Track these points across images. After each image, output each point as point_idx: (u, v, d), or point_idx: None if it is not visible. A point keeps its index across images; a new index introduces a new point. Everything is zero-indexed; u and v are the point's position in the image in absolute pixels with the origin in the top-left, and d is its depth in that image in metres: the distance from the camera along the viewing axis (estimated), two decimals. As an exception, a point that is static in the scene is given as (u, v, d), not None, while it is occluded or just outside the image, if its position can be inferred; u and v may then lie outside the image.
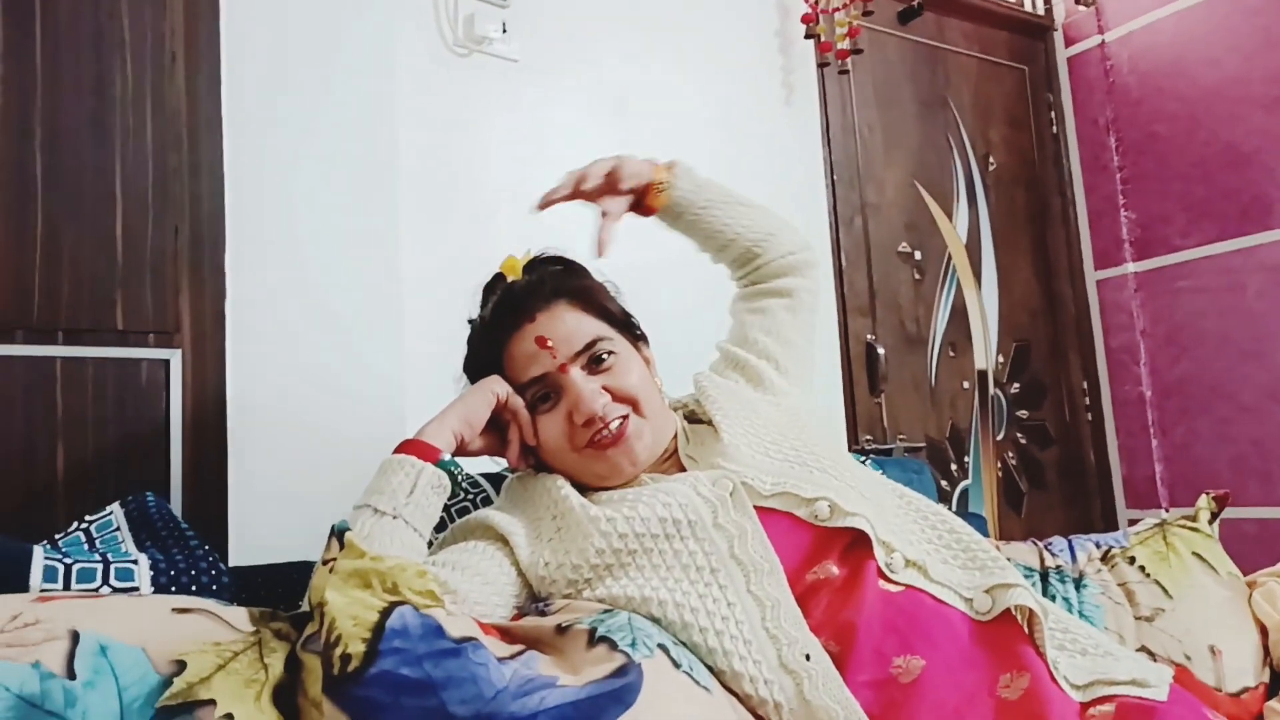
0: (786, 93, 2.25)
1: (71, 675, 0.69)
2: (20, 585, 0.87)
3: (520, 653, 0.80)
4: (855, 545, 0.93)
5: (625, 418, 1.03)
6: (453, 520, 1.13)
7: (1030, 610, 0.89)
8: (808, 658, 0.86)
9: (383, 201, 1.54)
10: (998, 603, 0.89)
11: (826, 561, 0.92)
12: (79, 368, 1.27)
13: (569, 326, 1.04)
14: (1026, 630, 0.89)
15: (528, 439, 1.05)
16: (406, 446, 0.97)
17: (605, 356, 1.04)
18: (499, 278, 1.11)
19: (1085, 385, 2.82)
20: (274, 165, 1.45)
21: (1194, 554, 1.26)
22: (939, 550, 0.97)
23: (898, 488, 1.07)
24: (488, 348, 1.08)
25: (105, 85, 1.33)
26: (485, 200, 1.70)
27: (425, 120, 1.66)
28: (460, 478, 1.24)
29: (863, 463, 1.46)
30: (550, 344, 1.02)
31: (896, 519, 0.99)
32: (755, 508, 0.95)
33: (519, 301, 1.06)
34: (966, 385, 2.59)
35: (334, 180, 1.50)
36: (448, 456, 1.00)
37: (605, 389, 1.03)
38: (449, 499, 1.19)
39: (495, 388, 1.04)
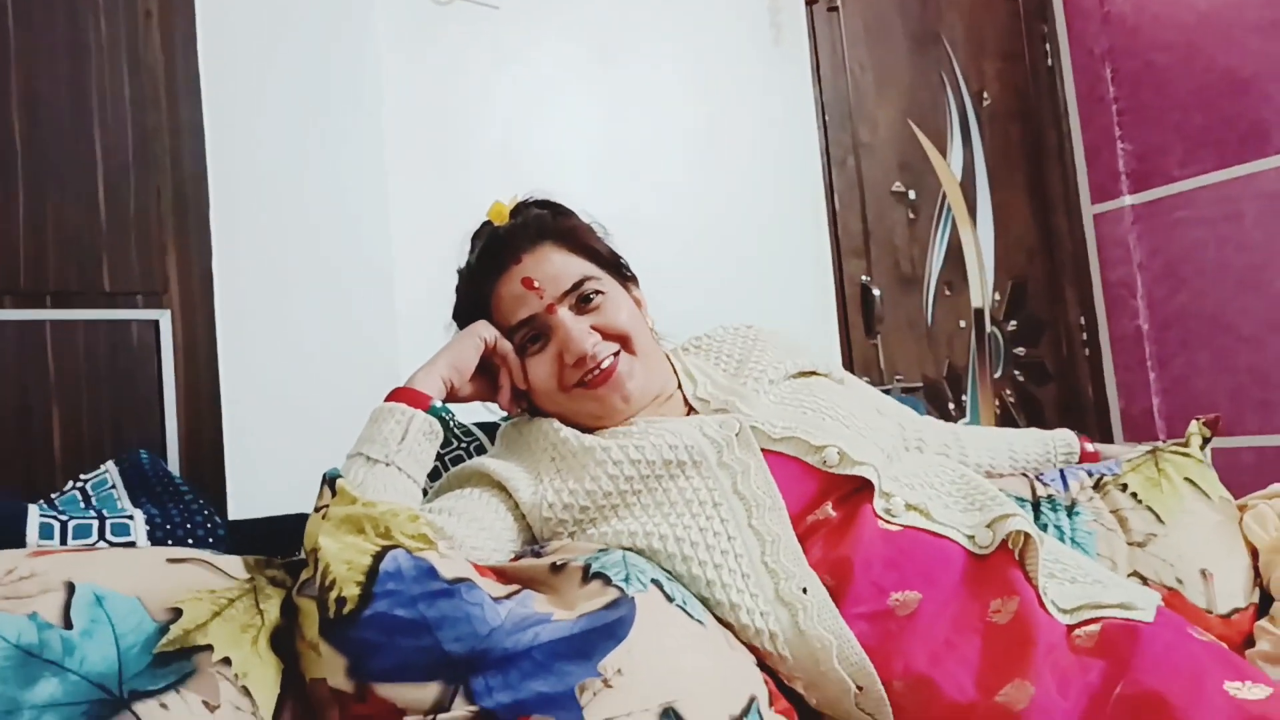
0: (775, 32, 2.21)
1: (68, 625, 0.70)
2: (17, 543, 0.88)
3: (515, 592, 0.81)
4: (857, 492, 0.95)
5: (615, 355, 1.03)
6: (447, 470, 1.14)
7: (1025, 539, 0.90)
8: (805, 591, 0.87)
9: (368, 154, 1.53)
10: (997, 534, 0.90)
11: (825, 504, 0.94)
12: (69, 331, 1.27)
13: (555, 267, 1.04)
14: (1018, 559, 0.90)
15: (518, 382, 1.05)
16: (396, 394, 0.98)
17: (593, 296, 1.04)
18: (486, 224, 1.11)
19: (1083, 320, 2.81)
20: (255, 121, 1.43)
21: (1186, 479, 1.26)
22: (941, 495, 0.98)
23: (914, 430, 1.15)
24: (475, 293, 1.07)
25: (80, 46, 1.31)
26: (471, 150, 1.69)
27: (408, 70, 1.63)
28: (453, 424, 1.25)
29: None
30: (537, 285, 1.02)
31: (906, 467, 1.01)
32: (764, 450, 0.97)
33: (504, 244, 1.06)
34: (963, 324, 2.59)
35: (317, 134, 1.48)
36: (439, 403, 1.00)
37: (594, 328, 1.03)
38: (443, 448, 1.20)
39: (482, 333, 1.03)
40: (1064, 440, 1.36)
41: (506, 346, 1.04)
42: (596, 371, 1.02)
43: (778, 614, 0.87)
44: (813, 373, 1.13)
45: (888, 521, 0.92)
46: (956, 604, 0.87)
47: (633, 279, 1.14)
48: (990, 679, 0.81)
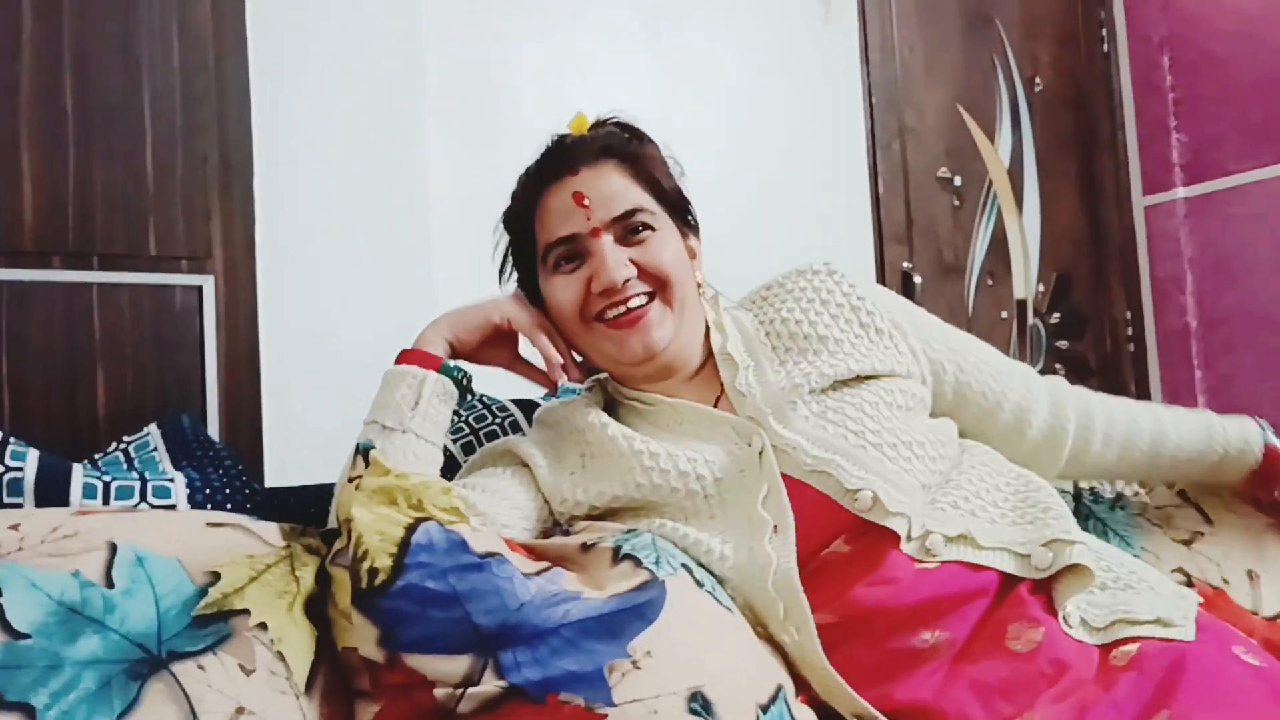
0: (824, 10, 2.18)
1: (110, 584, 0.72)
2: (61, 501, 0.90)
3: (546, 569, 0.81)
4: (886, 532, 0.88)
5: (649, 299, 0.97)
6: (481, 444, 1.15)
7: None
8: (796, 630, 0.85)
9: (409, 127, 1.53)
10: (1057, 560, 0.85)
11: (839, 539, 0.89)
12: (114, 294, 1.29)
13: (612, 188, 0.98)
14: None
15: (589, 354, 1.00)
16: (406, 356, 0.96)
17: (642, 229, 0.98)
18: (561, 136, 1.04)
19: (1129, 315, 2.76)
20: (300, 90, 1.44)
21: (1238, 480, 1.23)
22: (990, 510, 0.92)
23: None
24: (524, 197, 1.02)
25: (130, 8, 1.32)
26: (513, 125, 1.68)
27: (453, 44, 1.63)
28: (464, 380, 1.23)
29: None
30: (587, 203, 0.96)
31: (957, 484, 0.94)
32: (790, 477, 0.91)
33: (566, 152, 1.00)
34: (1005, 315, 2.55)
35: (360, 105, 1.49)
36: (450, 362, 0.97)
37: (634, 262, 0.96)
38: (478, 422, 1.21)
39: (494, 316, 0.99)
40: (1239, 435, 1.13)
41: (526, 323, 0.99)
42: (623, 310, 0.96)
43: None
44: (871, 376, 0.98)
45: (922, 561, 0.87)
46: (977, 630, 0.84)
47: (694, 227, 1.07)
48: (1001, 710, 0.78)
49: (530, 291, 1.05)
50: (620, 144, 1.01)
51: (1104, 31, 2.77)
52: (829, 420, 0.94)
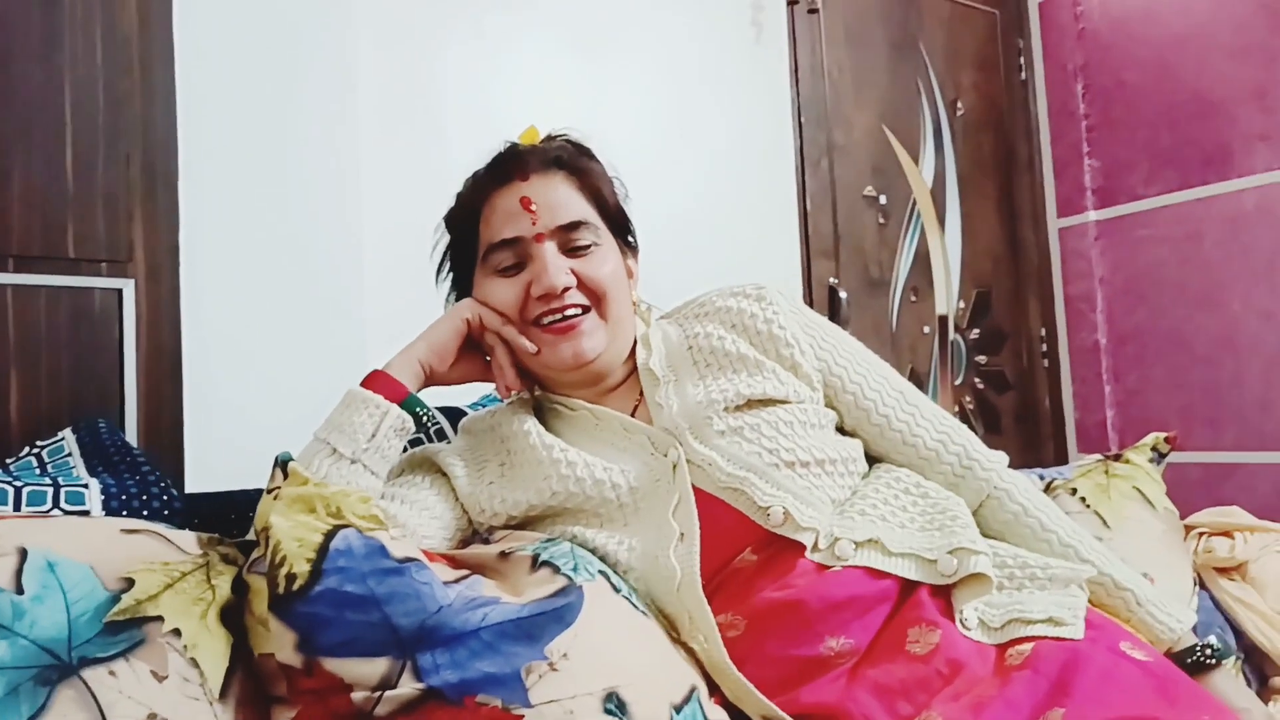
0: (756, 31, 2.23)
1: (20, 590, 0.71)
2: (-30, 507, 0.88)
3: (465, 576, 0.83)
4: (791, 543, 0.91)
5: (584, 311, 0.99)
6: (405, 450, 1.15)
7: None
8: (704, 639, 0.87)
9: (339, 130, 1.52)
10: (962, 568, 0.88)
11: (746, 549, 0.92)
12: (31, 296, 1.26)
13: (559, 198, 1.00)
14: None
15: (521, 358, 1.01)
16: (373, 380, 0.95)
17: (586, 242, 1.00)
18: (513, 145, 1.06)
19: (1044, 332, 2.87)
20: (227, 92, 1.42)
21: (1134, 487, 1.31)
22: (899, 515, 0.95)
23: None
24: (471, 197, 1.04)
25: (53, 7, 1.30)
26: (444, 127, 1.69)
27: (383, 48, 1.63)
28: (425, 419, 1.24)
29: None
30: (534, 208, 0.98)
31: (864, 495, 0.97)
32: (703, 491, 0.93)
33: (517, 158, 1.02)
34: (927, 330, 2.62)
35: (290, 106, 1.48)
36: (416, 395, 0.97)
37: (574, 273, 0.99)
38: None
39: (465, 313, 1.00)
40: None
41: (495, 321, 1.00)
42: (559, 319, 0.98)
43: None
44: (783, 401, 1.00)
45: (829, 567, 0.89)
46: (879, 636, 0.87)
47: (634, 248, 1.10)
48: (901, 710, 0.81)
49: (462, 292, 1.07)
50: (571, 157, 1.03)
51: (1022, 59, 2.88)
52: (744, 438, 0.96)
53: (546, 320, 0.99)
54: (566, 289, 0.98)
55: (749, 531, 0.92)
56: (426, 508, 0.97)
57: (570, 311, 0.98)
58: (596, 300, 1.00)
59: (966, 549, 0.90)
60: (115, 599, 0.74)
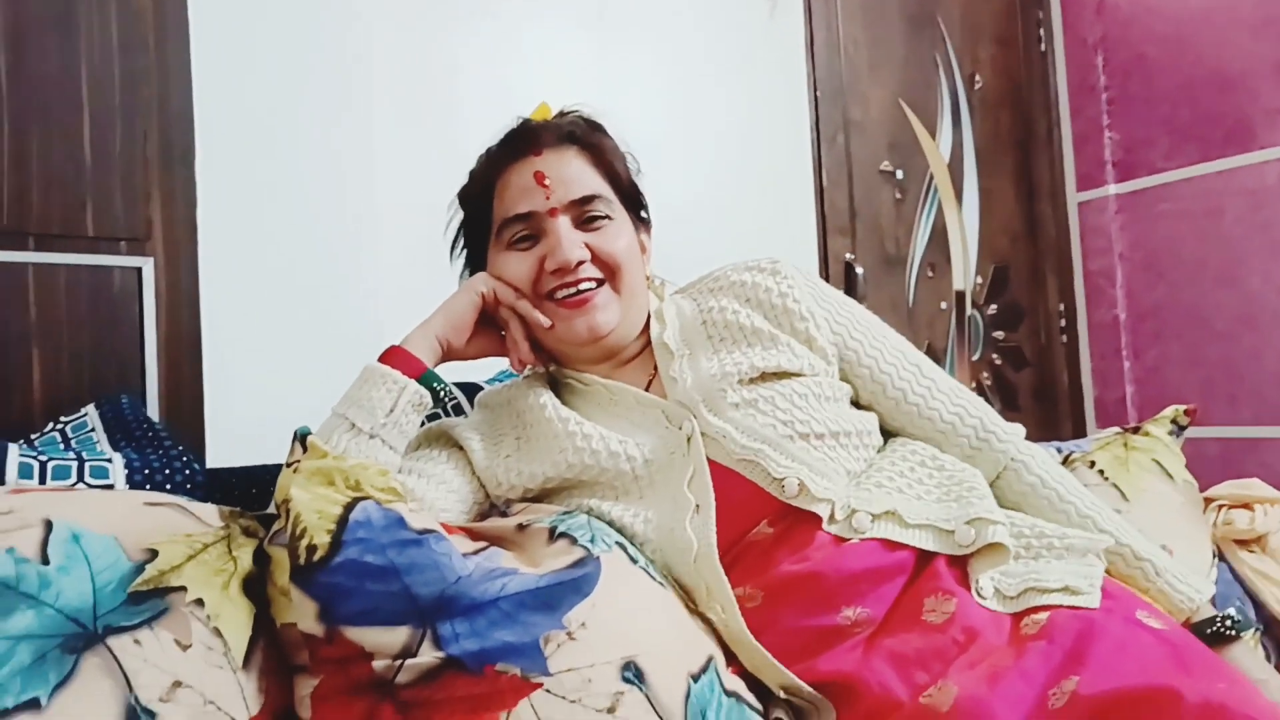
0: (771, 6, 2.21)
1: (45, 561, 0.72)
2: (-5, 480, 0.89)
3: (483, 548, 0.83)
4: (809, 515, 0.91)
5: (598, 285, 0.99)
6: (423, 424, 1.15)
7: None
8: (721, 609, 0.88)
9: (355, 106, 1.53)
10: (980, 538, 0.89)
11: (762, 522, 0.92)
12: (51, 274, 1.27)
13: (572, 172, 1.00)
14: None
15: (535, 332, 1.01)
16: (390, 356, 0.96)
17: (598, 216, 1.00)
18: (525, 121, 1.06)
19: (1062, 308, 2.84)
20: (242, 70, 1.43)
21: (1153, 460, 1.30)
22: (915, 488, 0.95)
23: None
24: (485, 173, 1.04)
25: (68, -16, 1.30)
26: (457, 104, 1.69)
27: (399, 24, 1.63)
28: (443, 393, 1.24)
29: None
30: (548, 182, 0.98)
31: (880, 467, 0.97)
32: (719, 464, 0.94)
33: (530, 134, 1.02)
34: (944, 306, 2.61)
35: (305, 84, 1.48)
36: (434, 370, 0.98)
37: (588, 246, 0.99)
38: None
39: (480, 287, 1.00)
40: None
41: (509, 295, 1.00)
42: (574, 292, 0.98)
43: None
44: (798, 374, 1.00)
45: (844, 539, 0.90)
46: (895, 606, 0.87)
47: (646, 222, 1.10)
48: (918, 679, 0.81)
49: (476, 268, 1.07)
50: (584, 132, 1.03)
51: (1041, 32, 2.84)
52: (759, 410, 0.96)
53: (560, 294, 0.99)
54: (580, 263, 0.98)
55: (765, 503, 0.92)
56: (444, 481, 0.98)
57: (584, 285, 0.99)
58: (610, 274, 1.00)
59: (984, 519, 0.90)
60: (139, 569, 0.75)
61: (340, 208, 1.50)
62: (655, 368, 1.04)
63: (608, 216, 1.01)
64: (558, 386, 1.06)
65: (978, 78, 2.72)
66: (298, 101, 1.47)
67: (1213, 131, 2.52)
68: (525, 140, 1.02)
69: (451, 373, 1.18)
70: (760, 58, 2.18)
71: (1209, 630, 0.96)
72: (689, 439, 0.95)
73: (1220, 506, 1.35)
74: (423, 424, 1.16)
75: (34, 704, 0.65)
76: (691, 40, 2.03)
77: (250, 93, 1.43)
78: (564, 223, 0.98)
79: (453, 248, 1.11)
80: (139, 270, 1.33)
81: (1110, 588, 0.89)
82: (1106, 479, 1.25)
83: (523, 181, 1.00)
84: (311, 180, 1.47)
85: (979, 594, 0.87)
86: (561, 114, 1.07)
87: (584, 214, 1.00)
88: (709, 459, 0.94)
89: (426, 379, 0.96)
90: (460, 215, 1.09)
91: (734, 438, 0.94)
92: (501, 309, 1.01)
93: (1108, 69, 2.74)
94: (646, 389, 1.02)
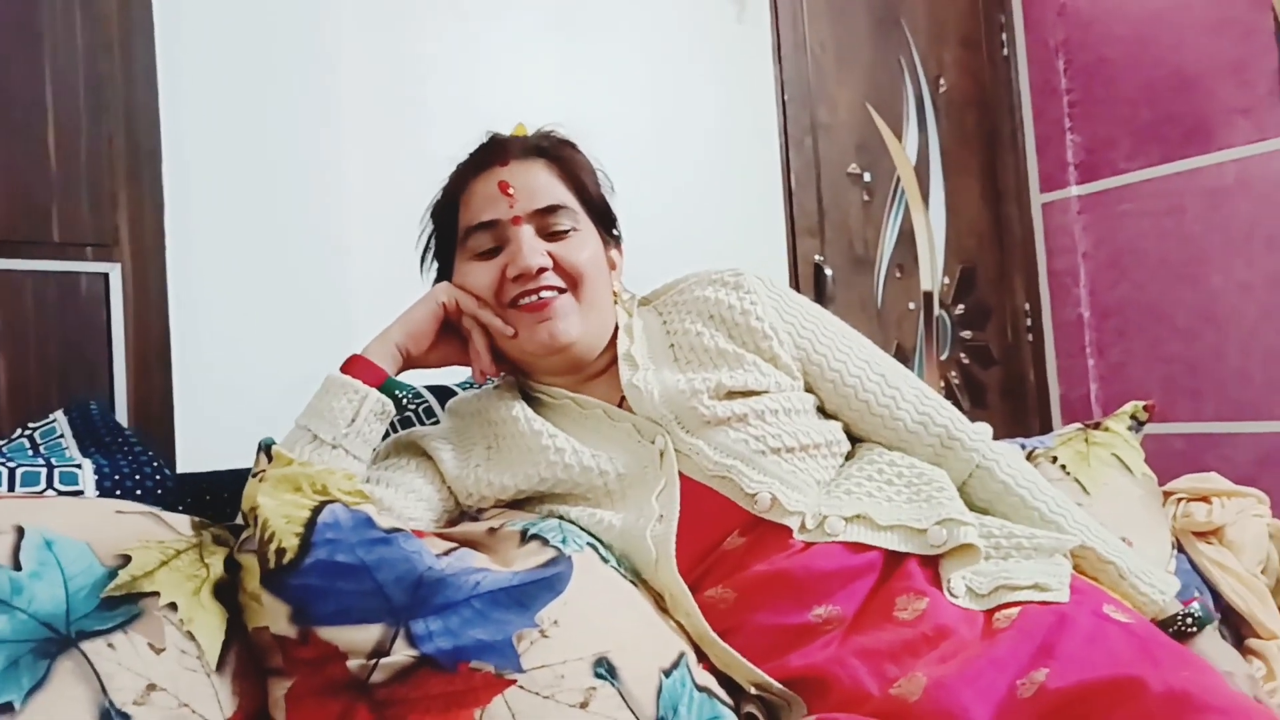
0: (738, 8, 2.23)
1: (17, 566, 0.72)
2: (-37, 487, 0.89)
3: (454, 549, 0.84)
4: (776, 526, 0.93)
5: (559, 293, 0.99)
6: (395, 430, 1.16)
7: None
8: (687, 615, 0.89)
9: (323, 108, 1.52)
10: (951, 536, 0.90)
11: (734, 533, 0.93)
12: (17, 281, 1.26)
13: (538, 182, 1.01)
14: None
15: (499, 342, 1.01)
16: (351, 365, 0.96)
17: (563, 226, 1.01)
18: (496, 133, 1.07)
19: (1028, 307, 2.89)
20: (209, 73, 1.42)
21: (1113, 454, 1.33)
22: (886, 490, 0.97)
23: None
24: (452, 184, 1.05)
25: (32, -12, 1.29)
26: (427, 111, 1.69)
27: (368, 25, 1.63)
28: (405, 400, 1.25)
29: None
30: (512, 191, 0.99)
31: (850, 474, 0.99)
32: (690, 479, 0.95)
33: (497, 145, 1.03)
34: (912, 306, 2.64)
35: (271, 90, 1.48)
36: (396, 378, 0.98)
37: (551, 255, 0.99)
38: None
39: (440, 296, 1.01)
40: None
41: (471, 304, 1.00)
42: (534, 298, 0.98)
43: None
44: (764, 391, 1.01)
45: (813, 543, 0.91)
46: (866, 603, 0.89)
47: (616, 239, 1.10)
48: (888, 673, 0.82)
49: (445, 279, 1.07)
50: (552, 146, 1.04)
51: (1004, 35, 2.89)
52: (730, 427, 0.97)
53: (522, 300, 0.99)
54: (542, 270, 0.98)
55: (735, 515, 0.93)
56: (412, 490, 0.98)
57: (546, 293, 0.99)
58: (573, 283, 1.00)
59: (955, 519, 0.92)
60: (112, 575, 0.75)
61: (309, 210, 1.49)
62: (621, 399, 1.04)
63: (573, 228, 1.01)
64: (528, 399, 1.07)
65: (942, 80, 2.76)
66: (265, 104, 1.47)
67: (1172, 132, 2.57)
68: (492, 151, 1.03)
69: (423, 377, 1.19)
70: (728, 61, 2.20)
71: (1171, 630, 0.98)
72: (661, 454, 0.96)
73: (1179, 500, 1.38)
74: (390, 431, 1.17)
75: (8, 708, 0.65)
76: (659, 43, 2.05)
77: (217, 96, 1.43)
78: (527, 231, 0.99)
79: (422, 260, 1.11)
80: (106, 276, 1.32)
81: (1078, 584, 0.91)
82: (1068, 474, 1.28)
83: (487, 190, 1.01)
84: (280, 183, 1.47)
85: (950, 593, 0.89)
86: (539, 131, 1.07)
87: (548, 224, 1.01)
88: (681, 473, 0.95)
89: (388, 386, 0.96)
90: (430, 229, 1.09)
91: (707, 454, 0.95)
92: (465, 318, 1.02)
93: (1069, 71, 2.79)
94: (619, 405, 1.03)
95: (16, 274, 1.26)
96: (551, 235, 1.00)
